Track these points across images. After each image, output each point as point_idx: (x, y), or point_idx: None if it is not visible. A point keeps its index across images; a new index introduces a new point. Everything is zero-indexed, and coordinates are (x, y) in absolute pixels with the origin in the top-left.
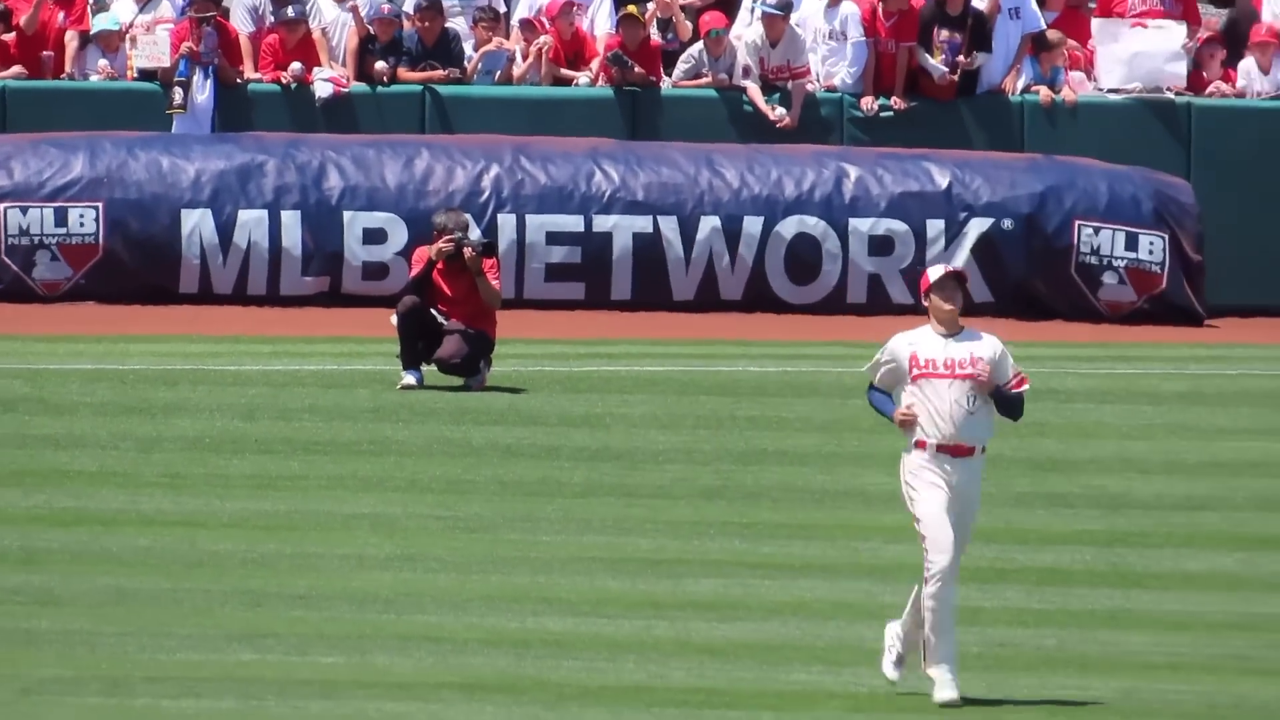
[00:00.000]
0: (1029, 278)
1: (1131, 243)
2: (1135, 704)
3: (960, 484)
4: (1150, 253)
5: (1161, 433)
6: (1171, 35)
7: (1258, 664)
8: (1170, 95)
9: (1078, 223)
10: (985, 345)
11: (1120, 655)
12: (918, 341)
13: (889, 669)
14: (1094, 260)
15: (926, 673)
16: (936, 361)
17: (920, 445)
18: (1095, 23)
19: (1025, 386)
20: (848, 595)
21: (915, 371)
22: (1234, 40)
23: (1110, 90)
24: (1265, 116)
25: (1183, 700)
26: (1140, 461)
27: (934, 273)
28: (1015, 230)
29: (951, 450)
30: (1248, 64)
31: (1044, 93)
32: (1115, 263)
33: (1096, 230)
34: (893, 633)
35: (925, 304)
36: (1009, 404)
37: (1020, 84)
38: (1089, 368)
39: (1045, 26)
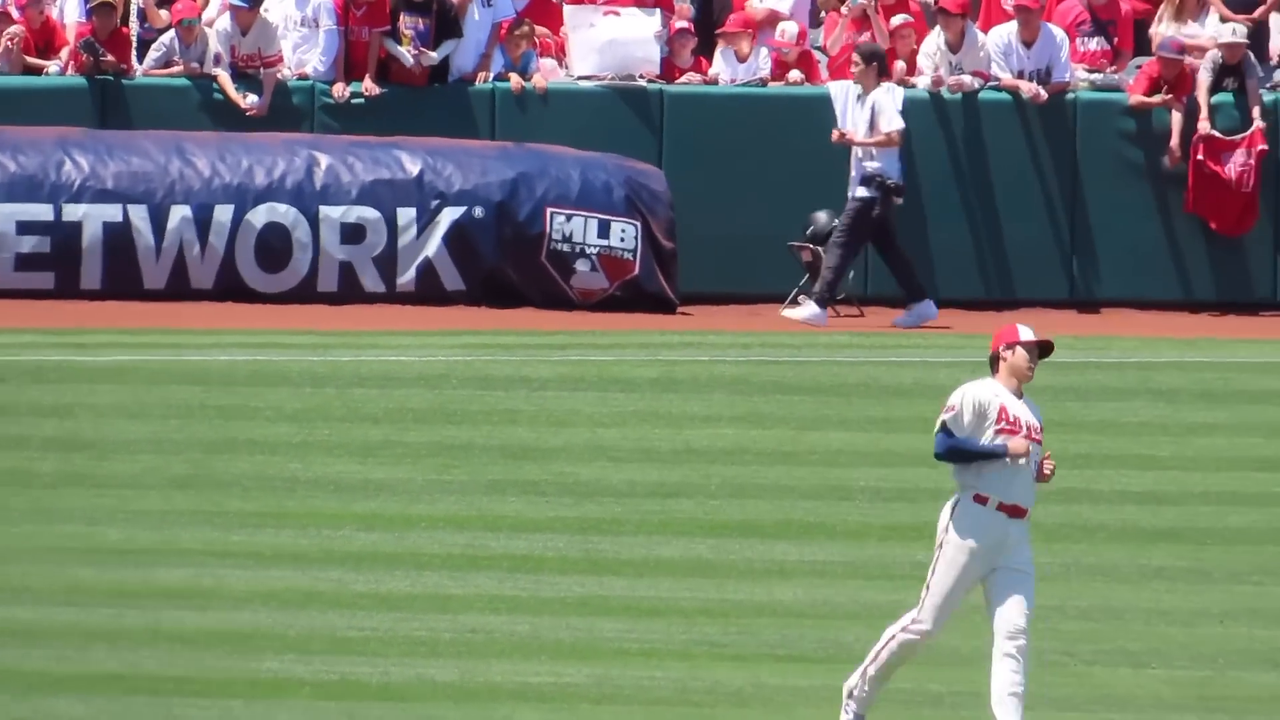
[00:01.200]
0: (501, 265)
1: (604, 230)
2: (608, 690)
3: (1012, 541)
4: (622, 240)
5: (634, 420)
6: (644, 22)
7: (730, 650)
8: (643, 82)
9: (549, 210)
10: (1038, 415)
11: (593, 641)
12: (1001, 395)
13: None
14: (566, 248)
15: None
16: (1021, 421)
17: (981, 500)
18: (567, 10)
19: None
20: (319, 584)
21: (1003, 425)
22: (708, 28)
23: (582, 78)
24: (737, 103)
25: (656, 686)
26: (612, 449)
27: (1026, 332)
28: (486, 218)
29: (1010, 510)
30: (725, 52)
31: (515, 80)
32: (587, 250)
33: (569, 218)
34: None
35: (1004, 355)
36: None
37: (492, 71)
38: (561, 355)
39: (517, 13)
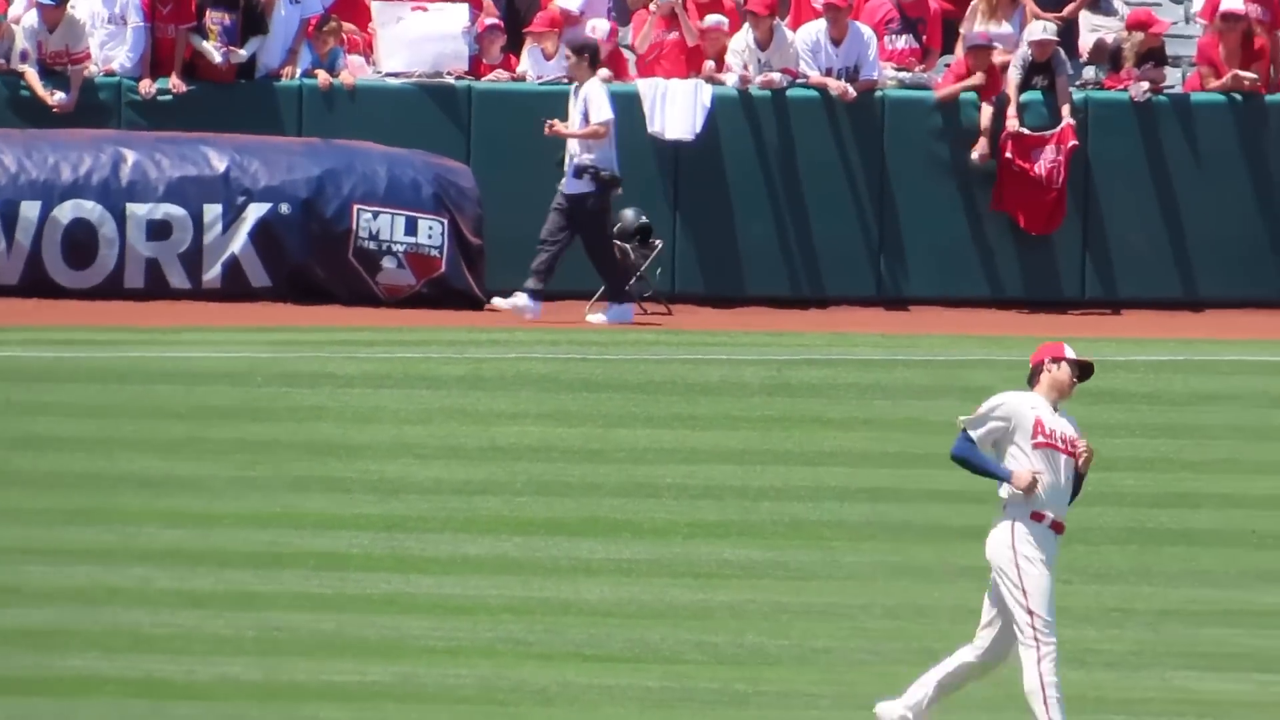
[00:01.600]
0: (307, 262)
1: (411, 227)
2: (413, 689)
3: (1053, 562)
4: (429, 237)
5: (440, 417)
6: (452, 19)
7: (535, 648)
8: (451, 79)
9: (356, 207)
10: (1075, 425)
11: (399, 640)
12: (1039, 407)
13: None
14: (373, 245)
15: None
16: (1057, 434)
17: (1038, 518)
18: (375, 6)
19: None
20: (123, 581)
21: (1040, 439)
22: (515, 26)
23: (390, 74)
24: (545, 101)
25: (461, 685)
26: (418, 446)
27: (1074, 353)
28: (293, 214)
29: (1056, 527)
30: (533, 50)
31: (322, 76)
32: (394, 247)
33: (375, 214)
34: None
35: (1049, 368)
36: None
37: (299, 68)
38: (367, 352)
39: (325, 9)
